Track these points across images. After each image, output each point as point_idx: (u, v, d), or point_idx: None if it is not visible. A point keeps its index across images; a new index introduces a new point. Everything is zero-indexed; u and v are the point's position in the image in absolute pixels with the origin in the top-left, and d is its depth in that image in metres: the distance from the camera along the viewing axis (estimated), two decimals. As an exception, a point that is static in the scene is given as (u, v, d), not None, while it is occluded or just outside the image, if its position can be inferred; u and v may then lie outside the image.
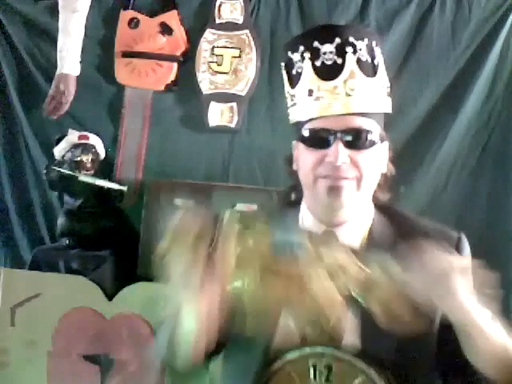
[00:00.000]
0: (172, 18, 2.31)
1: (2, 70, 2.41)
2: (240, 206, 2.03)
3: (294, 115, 1.07)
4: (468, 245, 1.09)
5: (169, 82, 2.32)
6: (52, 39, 2.27)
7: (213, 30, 2.29)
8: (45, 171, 2.15)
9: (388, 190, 1.12)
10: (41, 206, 2.42)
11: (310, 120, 1.03)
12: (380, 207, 1.12)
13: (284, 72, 1.08)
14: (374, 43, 1.05)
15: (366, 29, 1.08)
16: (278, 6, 2.29)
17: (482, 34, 2.17)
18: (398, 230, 1.08)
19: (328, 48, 1.02)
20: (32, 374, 1.97)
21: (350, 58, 1.01)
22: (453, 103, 2.18)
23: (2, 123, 2.44)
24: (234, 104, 2.28)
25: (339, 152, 1.00)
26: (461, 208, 2.19)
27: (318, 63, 1.02)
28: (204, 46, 2.30)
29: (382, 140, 1.06)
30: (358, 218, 1.07)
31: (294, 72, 1.05)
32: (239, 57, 2.27)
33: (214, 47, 2.29)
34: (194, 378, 1.10)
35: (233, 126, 2.29)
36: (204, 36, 2.30)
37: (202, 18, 2.32)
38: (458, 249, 1.07)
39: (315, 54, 1.03)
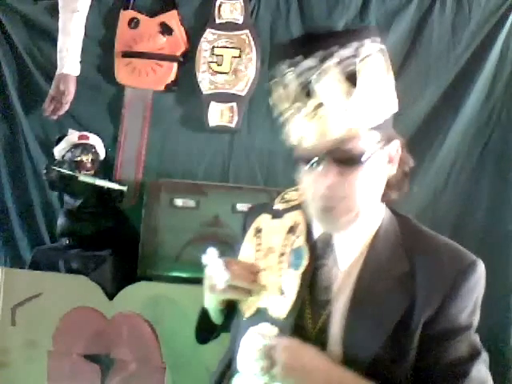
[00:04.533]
0: (172, 17, 2.31)
1: (2, 70, 2.40)
2: (240, 206, 2.03)
3: (289, 129, 1.02)
4: (483, 272, 1.02)
5: (169, 82, 2.32)
6: (52, 39, 2.28)
7: (213, 30, 2.29)
8: (45, 171, 2.15)
9: (399, 188, 1.08)
10: (41, 206, 2.42)
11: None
12: (396, 215, 1.10)
13: (274, 81, 1.01)
14: (367, 41, 0.97)
15: (362, 26, 1.01)
16: (278, 6, 2.29)
17: (482, 34, 2.16)
18: (407, 240, 1.05)
19: (310, 63, 0.95)
20: (32, 374, 1.97)
21: (335, 72, 0.94)
22: (453, 103, 2.18)
23: (2, 123, 2.44)
24: (234, 104, 2.28)
25: (327, 173, 0.96)
26: (461, 208, 2.19)
27: (301, 80, 0.96)
28: (204, 45, 2.30)
29: (388, 141, 1.01)
30: (360, 226, 1.04)
31: (283, 84, 0.99)
32: (239, 57, 2.27)
33: (213, 47, 2.29)
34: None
35: (233, 126, 2.29)
36: (204, 36, 2.30)
37: (201, 18, 2.32)
38: (465, 273, 1.00)
39: (298, 70, 0.96)
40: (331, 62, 0.94)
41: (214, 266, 1.07)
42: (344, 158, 0.97)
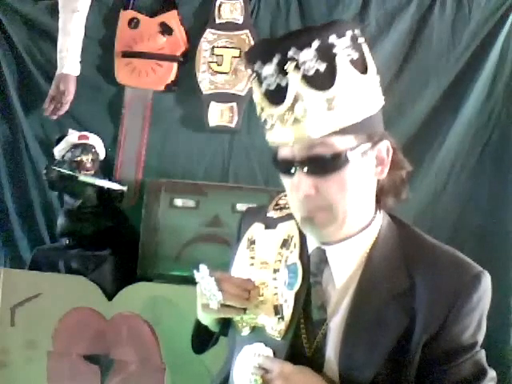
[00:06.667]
0: (172, 17, 2.31)
1: (2, 70, 2.41)
2: (240, 206, 2.03)
3: (266, 134, 0.99)
4: (488, 285, 0.96)
5: (169, 82, 2.32)
6: (52, 39, 2.28)
7: (213, 30, 2.29)
8: (45, 171, 2.14)
9: (396, 194, 1.02)
10: (41, 206, 2.42)
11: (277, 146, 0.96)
12: (395, 222, 1.04)
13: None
14: (331, 38, 0.89)
15: (327, 22, 0.93)
16: (278, 5, 2.29)
17: (482, 34, 2.16)
18: (407, 251, 0.98)
19: (268, 70, 0.90)
20: (32, 374, 1.97)
21: (294, 77, 0.88)
22: (453, 103, 2.18)
23: (2, 123, 2.44)
24: (234, 104, 2.28)
25: (301, 184, 0.92)
26: (461, 208, 2.19)
27: (263, 88, 0.92)
28: (204, 45, 2.30)
29: (375, 143, 0.95)
30: (354, 237, 0.99)
31: (253, 92, 0.97)
32: (239, 57, 2.27)
33: (213, 47, 2.29)
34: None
35: (233, 125, 2.29)
36: (204, 36, 2.30)
37: (201, 18, 2.32)
38: (468, 288, 0.94)
39: (260, 78, 0.92)
40: (290, 67, 0.88)
41: (206, 285, 1.02)
42: (317, 168, 0.92)
